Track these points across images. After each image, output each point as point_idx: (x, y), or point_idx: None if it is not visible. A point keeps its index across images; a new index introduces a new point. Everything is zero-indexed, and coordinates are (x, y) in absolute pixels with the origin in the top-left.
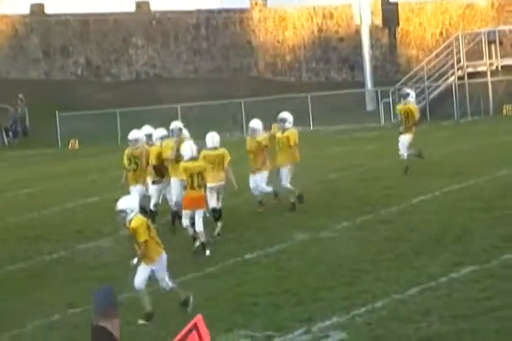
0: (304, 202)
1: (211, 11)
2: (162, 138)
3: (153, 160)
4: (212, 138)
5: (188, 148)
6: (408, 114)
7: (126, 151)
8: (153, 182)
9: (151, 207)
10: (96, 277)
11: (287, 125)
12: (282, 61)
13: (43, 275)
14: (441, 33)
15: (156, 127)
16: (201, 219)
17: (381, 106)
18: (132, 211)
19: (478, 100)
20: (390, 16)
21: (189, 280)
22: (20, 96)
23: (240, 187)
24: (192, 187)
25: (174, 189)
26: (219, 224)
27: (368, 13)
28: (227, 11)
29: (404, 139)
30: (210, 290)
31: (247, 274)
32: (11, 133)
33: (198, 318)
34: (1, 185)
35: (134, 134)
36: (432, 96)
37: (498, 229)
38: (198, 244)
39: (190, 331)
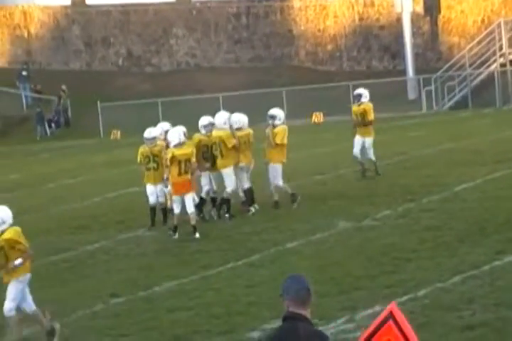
0: (338, 191)
1: (252, 0)
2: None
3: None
4: (239, 119)
5: (175, 134)
6: (364, 114)
7: (142, 150)
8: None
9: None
10: (138, 266)
11: (277, 122)
12: (323, 50)
13: (86, 265)
14: (483, 20)
15: (197, 117)
16: (192, 202)
17: (423, 94)
18: (4, 222)
19: None
20: (432, 4)
21: (231, 268)
22: (63, 87)
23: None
24: (179, 174)
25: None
26: (255, 206)
27: (409, 0)
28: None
29: (368, 143)
30: (253, 278)
31: (289, 263)
32: (53, 124)
33: (393, 305)
34: (44, 175)
35: (151, 132)
36: (473, 83)
37: None
38: (176, 235)
39: (384, 321)
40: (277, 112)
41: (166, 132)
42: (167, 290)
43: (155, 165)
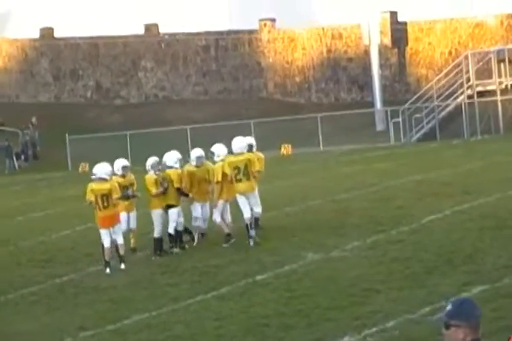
0: (307, 223)
1: (220, 33)
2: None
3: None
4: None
5: (100, 168)
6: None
7: (151, 177)
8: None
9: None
10: (107, 299)
11: (215, 158)
12: (292, 82)
13: (55, 299)
14: (450, 52)
15: (166, 149)
16: (120, 233)
17: (391, 126)
18: None
19: (488, 119)
20: (399, 36)
21: (200, 301)
22: (33, 119)
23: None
24: (104, 207)
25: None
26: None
27: (377, 33)
28: (236, 32)
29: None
30: (222, 311)
31: (259, 295)
32: (22, 157)
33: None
34: (13, 209)
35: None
36: (441, 115)
37: (509, 248)
38: (108, 270)
39: None
40: (215, 149)
41: (124, 168)
42: (136, 323)
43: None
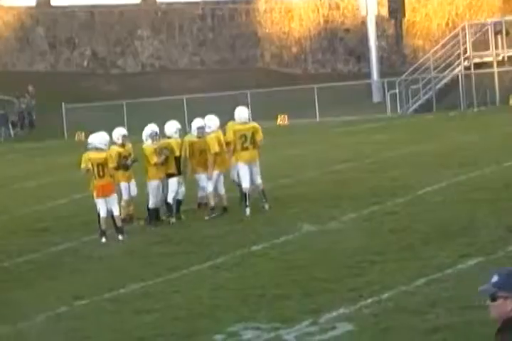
0: (303, 194)
1: (217, 2)
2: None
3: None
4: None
5: (97, 137)
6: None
7: (150, 147)
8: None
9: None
10: (103, 268)
11: (207, 129)
12: (288, 52)
13: (50, 267)
14: (447, 24)
15: (162, 119)
16: (116, 204)
17: (387, 97)
18: None
19: (484, 91)
20: (396, 7)
21: (196, 271)
22: (30, 88)
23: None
24: (100, 176)
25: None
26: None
27: (374, 3)
28: (233, 1)
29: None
30: (217, 281)
31: (254, 266)
32: (19, 126)
33: None
34: (8, 177)
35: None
36: (438, 86)
37: (504, 220)
38: (103, 239)
39: None
40: (207, 120)
41: (123, 137)
42: (132, 292)
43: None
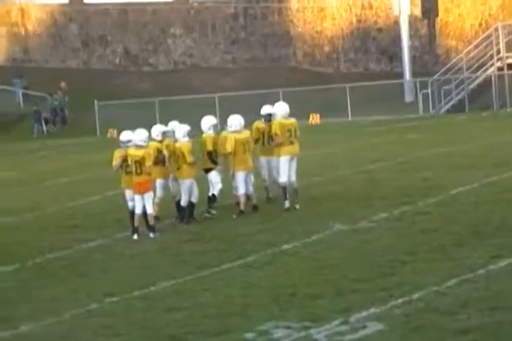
0: (335, 193)
1: (249, 1)
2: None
3: (209, 147)
4: (238, 121)
5: (137, 135)
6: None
7: (187, 144)
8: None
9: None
10: (134, 266)
11: (228, 128)
12: (320, 51)
13: (82, 264)
14: (480, 24)
15: (194, 117)
16: (151, 202)
17: (420, 97)
18: None
19: None
20: (429, 7)
21: (227, 269)
22: (63, 84)
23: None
24: (137, 173)
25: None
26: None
27: (407, 3)
28: (266, 0)
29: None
30: (248, 279)
31: (285, 264)
32: (51, 122)
33: None
34: (41, 174)
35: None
36: (471, 87)
37: None
38: (135, 236)
39: None
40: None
41: (163, 133)
42: (163, 290)
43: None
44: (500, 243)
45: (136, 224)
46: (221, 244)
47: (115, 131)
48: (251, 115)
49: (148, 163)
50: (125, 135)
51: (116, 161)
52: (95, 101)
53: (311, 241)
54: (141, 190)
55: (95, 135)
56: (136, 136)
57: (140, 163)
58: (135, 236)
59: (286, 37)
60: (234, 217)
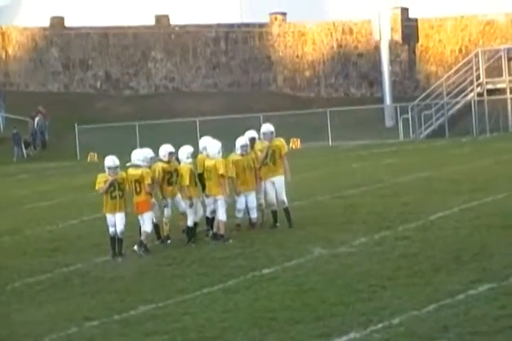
0: (315, 218)
1: (231, 25)
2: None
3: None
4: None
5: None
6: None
7: (187, 166)
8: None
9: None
10: (113, 290)
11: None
12: (301, 76)
13: (61, 288)
14: (460, 50)
15: (175, 141)
16: (149, 221)
17: (400, 122)
18: None
19: (497, 117)
20: (410, 32)
21: (207, 293)
22: (40, 108)
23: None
24: (136, 193)
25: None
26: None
27: (387, 29)
28: (247, 25)
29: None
30: (228, 304)
31: (265, 289)
32: (31, 146)
33: None
34: (21, 197)
35: (115, 161)
36: (450, 112)
37: None
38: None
39: None
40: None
41: (171, 153)
42: (143, 314)
43: (120, 193)
44: (480, 268)
45: (144, 242)
46: (201, 268)
47: (95, 155)
48: (232, 139)
49: (147, 181)
50: (111, 160)
51: (99, 185)
52: (75, 125)
53: (291, 265)
54: (139, 210)
55: (75, 159)
56: (134, 156)
57: (139, 182)
58: (119, 259)
59: (267, 61)
60: (230, 241)
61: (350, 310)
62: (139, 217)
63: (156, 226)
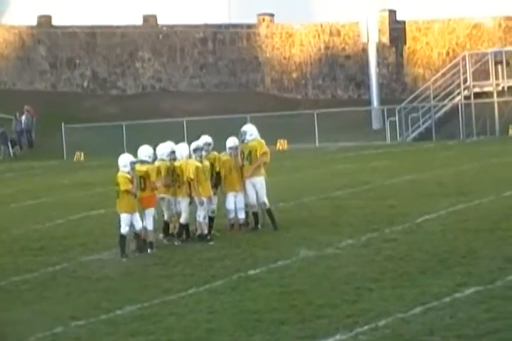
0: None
1: (218, 26)
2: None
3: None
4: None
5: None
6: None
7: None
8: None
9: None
10: (99, 289)
11: (248, 137)
12: (289, 77)
13: (47, 287)
14: (447, 53)
15: (162, 141)
16: (151, 218)
17: (387, 125)
18: None
19: (484, 120)
20: (397, 35)
21: (193, 294)
22: (26, 107)
23: None
24: (141, 189)
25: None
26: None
27: (375, 31)
28: (235, 26)
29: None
30: (214, 305)
31: (251, 290)
32: (17, 145)
33: None
34: (7, 196)
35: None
36: (437, 115)
37: (503, 250)
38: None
39: None
40: (248, 127)
41: (171, 153)
42: (129, 313)
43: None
44: (466, 271)
45: (150, 238)
46: (187, 269)
47: (82, 154)
48: (219, 140)
49: (153, 177)
50: (127, 157)
51: (128, 185)
52: (62, 124)
53: (277, 266)
54: (144, 205)
55: (62, 158)
56: (142, 152)
57: (144, 178)
58: (149, 251)
59: (255, 62)
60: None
61: (337, 311)
62: (142, 213)
63: (166, 224)
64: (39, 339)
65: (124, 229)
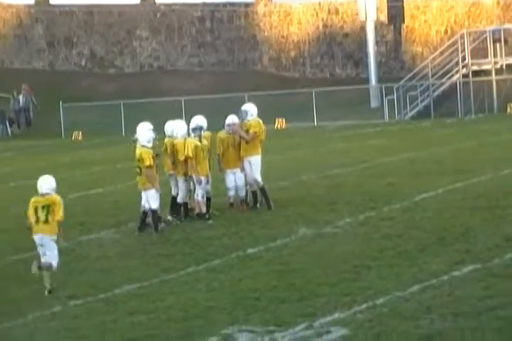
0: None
1: (216, 4)
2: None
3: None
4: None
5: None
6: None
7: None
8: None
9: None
10: (97, 269)
11: (249, 117)
12: (287, 56)
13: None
14: (446, 31)
15: (159, 119)
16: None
17: (385, 103)
18: None
19: (482, 98)
20: (395, 13)
21: (192, 272)
22: (24, 86)
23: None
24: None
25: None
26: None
27: (373, 9)
28: (233, 4)
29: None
30: (212, 283)
31: (250, 268)
32: (16, 123)
33: None
34: (5, 175)
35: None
36: (436, 93)
37: (501, 228)
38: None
39: None
40: (247, 107)
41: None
42: (127, 292)
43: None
44: (464, 249)
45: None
46: (186, 248)
47: (80, 133)
48: (217, 118)
49: (147, 162)
50: (150, 133)
51: (151, 161)
52: (60, 103)
53: (276, 245)
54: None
55: (60, 137)
56: (142, 137)
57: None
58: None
59: (253, 41)
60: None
61: (335, 290)
62: (143, 194)
63: (173, 199)
64: (37, 318)
65: (156, 204)
